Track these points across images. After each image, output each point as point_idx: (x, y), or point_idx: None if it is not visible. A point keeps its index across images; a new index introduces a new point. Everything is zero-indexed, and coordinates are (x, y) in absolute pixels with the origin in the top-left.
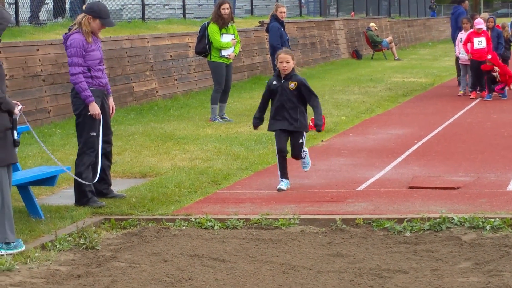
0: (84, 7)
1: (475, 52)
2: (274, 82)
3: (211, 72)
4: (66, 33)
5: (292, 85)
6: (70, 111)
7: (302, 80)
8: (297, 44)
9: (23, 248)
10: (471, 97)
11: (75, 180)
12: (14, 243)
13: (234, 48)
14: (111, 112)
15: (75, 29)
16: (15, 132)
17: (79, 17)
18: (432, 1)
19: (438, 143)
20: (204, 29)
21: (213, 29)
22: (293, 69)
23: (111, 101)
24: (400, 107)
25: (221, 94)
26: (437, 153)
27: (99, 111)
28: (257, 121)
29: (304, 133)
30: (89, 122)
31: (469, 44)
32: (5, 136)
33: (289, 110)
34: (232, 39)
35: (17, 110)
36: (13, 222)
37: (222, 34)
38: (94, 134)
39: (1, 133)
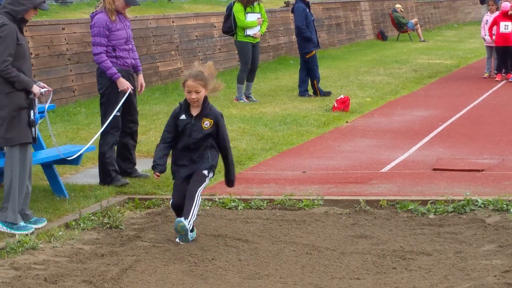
0: None
1: (500, 36)
2: (183, 117)
3: (238, 51)
4: (92, 12)
5: (207, 123)
6: (95, 90)
7: (219, 116)
8: (323, 25)
9: (28, 232)
10: (496, 79)
11: (99, 159)
12: (17, 225)
13: (261, 27)
14: (139, 89)
15: (100, 8)
16: (31, 112)
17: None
18: None
19: (463, 125)
20: (230, 8)
21: (237, 8)
22: (206, 99)
23: (140, 78)
24: (425, 89)
25: (248, 73)
26: (461, 135)
27: (128, 84)
28: (161, 167)
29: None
30: (114, 101)
31: (494, 28)
32: (19, 115)
33: (197, 154)
34: (258, 18)
35: (36, 89)
36: (17, 204)
37: (247, 13)
38: (118, 113)
39: (15, 111)
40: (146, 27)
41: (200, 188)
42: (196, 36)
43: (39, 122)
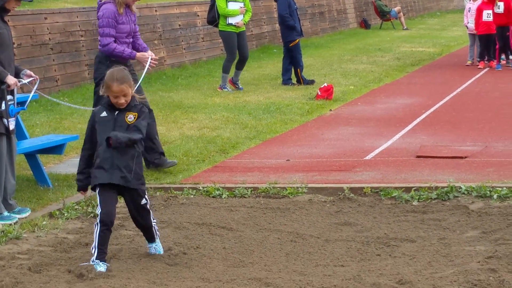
0: None
1: (483, 24)
2: (104, 113)
3: (222, 41)
4: (100, 1)
5: (131, 117)
6: (77, 80)
7: (144, 110)
8: (306, 14)
9: (12, 222)
10: (479, 66)
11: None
12: (1, 214)
13: (244, 16)
14: (152, 62)
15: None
16: (2, 102)
17: None
18: None
19: (446, 112)
20: None
21: None
22: (133, 96)
23: (150, 53)
24: (408, 77)
25: (238, 61)
26: (445, 122)
27: (145, 55)
28: (81, 183)
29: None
30: None
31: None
32: None
33: (121, 156)
34: (241, 7)
35: (11, 80)
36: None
37: (229, 1)
38: None
39: None
40: None
41: (150, 214)
42: (179, 25)
43: (15, 114)
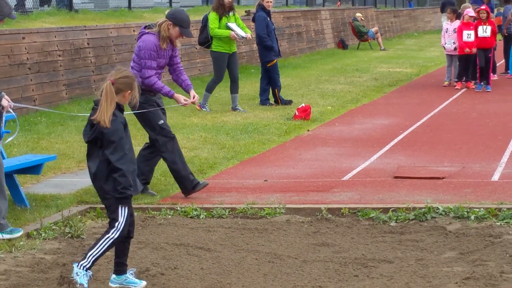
0: (167, 12)
1: (464, 45)
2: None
3: (213, 62)
4: (142, 29)
5: None
6: (55, 100)
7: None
8: (283, 34)
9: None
10: (456, 87)
11: (173, 171)
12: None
13: (244, 31)
14: (193, 99)
15: (154, 31)
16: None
17: (160, 20)
18: None
19: (424, 133)
20: (206, 19)
21: (212, 17)
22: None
23: (192, 93)
24: (386, 97)
25: (231, 85)
26: (422, 143)
27: (183, 98)
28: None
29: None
30: (152, 113)
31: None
32: None
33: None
34: (246, 35)
35: (5, 103)
36: None
37: (228, 23)
38: (162, 121)
39: None
40: (106, 36)
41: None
42: None
43: (2, 137)
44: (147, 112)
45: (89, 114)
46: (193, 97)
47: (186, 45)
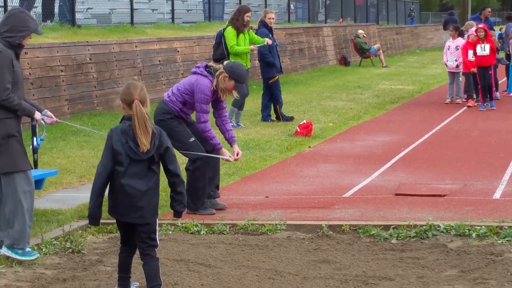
0: (225, 63)
1: (469, 63)
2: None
3: None
4: (202, 68)
5: None
6: (57, 115)
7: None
8: (285, 50)
9: (33, 258)
10: (469, 105)
11: (189, 183)
12: (24, 250)
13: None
14: (236, 157)
15: (213, 84)
16: (34, 138)
17: (219, 71)
18: (411, 9)
19: (425, 150)
20: (220, 35)
21: (230, 34)
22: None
23: (236, 148)
24: (388, 114)
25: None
26: (424, 160)
27: (228, 154)
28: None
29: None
30: (181, 131)
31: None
32: (6, 142)
33: None
34: (266, 41)
35: (38, 116)
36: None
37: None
38: (193, 138)
39: (3, 139)
40: (109, 52)
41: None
42: (159, 61)
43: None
44: (178, 131)
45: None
46: (237, 154)
47: (188, 61)
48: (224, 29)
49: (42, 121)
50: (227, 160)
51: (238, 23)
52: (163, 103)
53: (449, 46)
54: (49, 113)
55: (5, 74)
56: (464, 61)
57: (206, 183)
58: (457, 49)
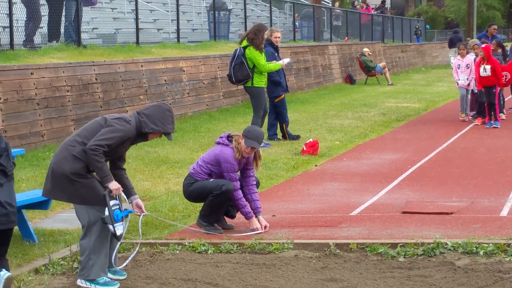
0: (247, 127)
1: (481, 80)
2: None
3: (253, 97)
4: (225, 138)
5: None
6: (63, 135)
7: None
8: (291, 69)
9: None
10: (475, 122)
11: (211, 196)
12: (103, 280)
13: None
14: (264, 229)
15: (231, 146)
16: (105, 208)
17: (237, 134)
18: (417, 27)
19: (432, 168)
20: (241, 56)
21: (256, 54)
22: None
23: (262, 221)
24: (394, 132)
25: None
26: (430, 178)
27: (259, 225)
28: None
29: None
30: (206, 186)
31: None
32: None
33: None
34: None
35: (114, 186)
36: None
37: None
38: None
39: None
40: (115, 72)
41: None
42: (165, 80)
43: (122, 218)
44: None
45: None
46: (265, 227)
47: (193, 80)
48: (243, 49)
49: (124, 197)
50: (252, 230)
51: (258, 41)
52: (189, 176)
53: (459, 64)
54: (139, 201)
55: (113, 138)
56: (476, 78)
57: (224, 208)
58: (468, 68)
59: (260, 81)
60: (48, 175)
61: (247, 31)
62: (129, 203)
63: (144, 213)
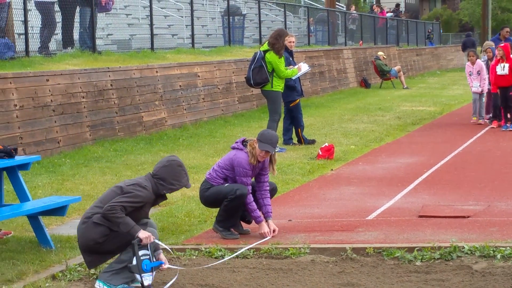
0: (261, 131)
1: (498, 80)
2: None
3: (270, 101)
4: (239, 143)
5: None
6: (79, 141)
7: None
8: (306, 73)
9: None
10: (492, 126)
11: (226, 201)
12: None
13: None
14: (272, 234)
15: (246, 150)
16: (134, 258)
17: (252, 139)
18: (430, 31)
19: (448, 171)
20: (260, 59)
21: (276, 58)
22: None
23: (271, 225)
24: (409, 136)
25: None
26: (447, 181)
27: (267, 229)
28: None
29: None
30: (221, 191)
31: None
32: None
33: None
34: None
35: (143, 234)
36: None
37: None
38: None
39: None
40: (130, 78)
41: None
42: (180, 86)
43: (151, 268)
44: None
45: None
46: (274, 231)
47: (209, 85)
48: (263, 53)
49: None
50: (261, 234)
51: (279, 46)
52: (205, 181)
53: (470, 71)
54: (164, 260)
55: (130, 202)
56: (492, 80)
57: (239, 212)
58: (479, 74)
59: (278, 85)
60: (81, 251)
61: (269, 36)
62: (157, 253)
63: (166, 267)
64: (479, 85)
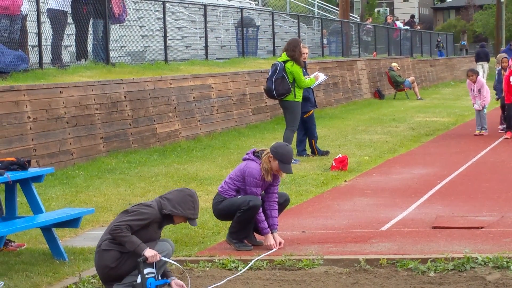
0: (273, 144)
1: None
2: None
3: (290, 112)
4: (251, 153)
5: None
6: (93, 153)
7: None
8: (320, 85)
9: None
10: (506, 136)
11: (239, 212)
12: None
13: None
14: (278, 246)
15: (261, 165)
16: (138, 276)
17: (265, 152)
18: (439, 40)
19: (462, 182)
20: (282, 70)
21: (298, 69)
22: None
23: (277, 237)
24: (423, 147)
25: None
26: (460, 192)
27: (273, 242)
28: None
29: None
30: (234, 203)
31: None
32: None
33: None
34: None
35: (149, 252)
36: None
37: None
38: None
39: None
40: (143, 89)
41: None
42: (194, 97)
43: (156, 287)
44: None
45: None
46: (279, 244)
47: (223, 97)
48: (283, 63)
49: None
50: (267, 246)
51: (297, 55)
52: (217, 195)
53: (471, 89)
54: (178, 281)
55: (135, 220)
56: (507, 90)
57: (252, 224)
58: (480, 92)
59: (299, 96)
60: (102, 281)
61: (284, 47)
62: (168, 284)
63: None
64: (480, 103)
